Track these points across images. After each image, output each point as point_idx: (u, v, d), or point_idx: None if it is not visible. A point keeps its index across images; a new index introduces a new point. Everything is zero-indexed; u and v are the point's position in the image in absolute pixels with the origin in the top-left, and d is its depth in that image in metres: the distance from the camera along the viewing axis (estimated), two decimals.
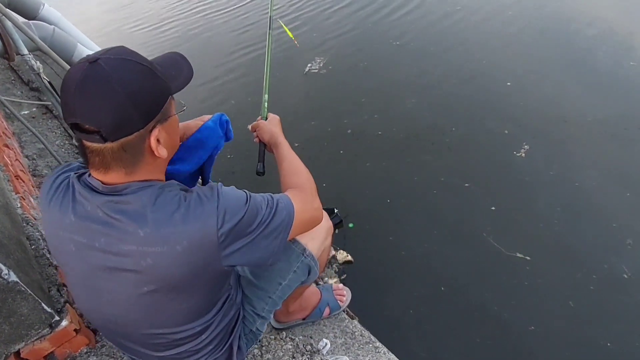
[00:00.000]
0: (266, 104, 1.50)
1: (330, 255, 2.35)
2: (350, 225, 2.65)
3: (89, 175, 0.88)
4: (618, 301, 2.15)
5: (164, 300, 0.90)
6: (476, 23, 4.93)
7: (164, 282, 0.86)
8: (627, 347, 1.98)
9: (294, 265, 1.22)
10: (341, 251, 2.41)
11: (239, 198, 0.90)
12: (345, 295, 1.71)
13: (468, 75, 4.02)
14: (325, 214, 1.32)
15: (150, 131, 0.84)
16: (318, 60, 4.58)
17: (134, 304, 0.90)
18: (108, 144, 0.80)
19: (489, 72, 4.03)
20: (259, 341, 1.42)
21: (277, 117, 1.40)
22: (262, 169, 1.43)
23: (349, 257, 2.37)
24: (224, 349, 1.12)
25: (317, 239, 1.26)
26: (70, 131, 2.60)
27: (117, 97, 0.77)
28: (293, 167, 1.20)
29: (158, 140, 0.85)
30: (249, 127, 1.42)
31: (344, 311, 1.71)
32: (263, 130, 1.36)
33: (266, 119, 1.42)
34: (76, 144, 2.47)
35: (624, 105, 3.41)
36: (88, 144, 0.81)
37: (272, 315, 1.28)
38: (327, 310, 1.64)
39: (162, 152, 0.87)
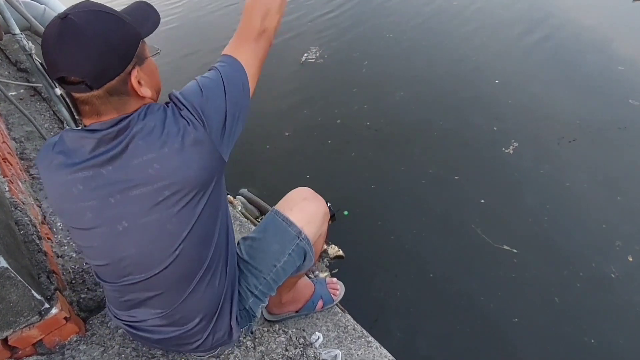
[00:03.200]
0: None
1: (323, 249, 2.34)
2: (345, 212, 2.65)
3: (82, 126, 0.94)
4: (604, 300, 2.18)
5: (179, 207, 0.94)
6: (469, 20, 4.95)
7: (177, 182, 0.92)
8: (610, 345, 2.01)
9: (288, 248, 1.23)
10: (332, 245, 2.40)
11: (193, 87, 0.97)
12: (338, 289, 1.71)
13: (457, 71, 4.06)
14: (323, 202, 1.34)
15: (130, 73, 0.90)
16: (314, 50, 4.56)
17: (152, 221, 0.94)
18: (94, 92, 0.86)
19: (478, 69, 4.07)
20: (252, 332, 1.42)
21: None
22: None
23: (340, 252, 2.37)
24: (224, 311, 1.15)
25: (313, 223, 1.27)
26: (59, 115, 2.54)
27: (93, 46, 0.83)
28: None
29: (139, 82, 0.91)
30: None
31: (337, 305, 1.71)
32: None
33: None
34: (68, 127, 2.43)
35: (612, 108, 3.46)
36: (77, 95, 0.88)
37: (266, 300, 1.28)
38: (320, 304, 1.64)
39: (146, 92, 0.93)
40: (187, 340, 1.15)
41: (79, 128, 0.94)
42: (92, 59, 0.83)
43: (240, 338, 1.39)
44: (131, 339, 1.30)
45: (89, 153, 0.91)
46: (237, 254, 1.24)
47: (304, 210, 1.28)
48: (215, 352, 1.28)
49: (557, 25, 4.76)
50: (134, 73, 0.90)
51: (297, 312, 1.61)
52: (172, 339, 1.15)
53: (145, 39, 0.96)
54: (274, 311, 1.57)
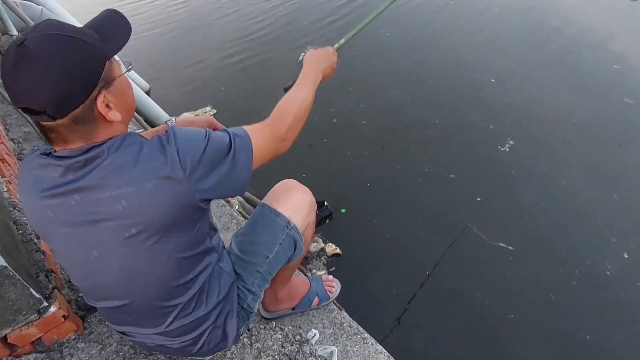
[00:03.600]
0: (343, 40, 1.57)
1: (319, 247, 2.36)
2: (343, 210, 2.67)
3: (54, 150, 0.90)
4: (599, 297, 2.20)
5: (149, 244, 0.91)
6: (465, 20, 4.97)
7: (143, 223, 0.88)
8: (605, 341, 2.03)
9: (279, 238, 1.24)
10: (330, 244, 2.41)
11: (198, 132, 0.93)
12: (334, 286, 1.72)
13: (453, 70, 4.08)
14: (308, 192, 1.35)
15: (95, 99, 0.84)
16: (311, 50, 4.55)
17: (122, 255, 0.92)
18: (59, 121, 0.81)
19: (474, 69, 4.10)
20: (249, 329, 1.43)
21: (333, 57, 1.45)
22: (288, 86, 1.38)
23: (338, 250, 2.38)
24: (219, 325, 1.16)
25: (300, 212, 1.29)
26: None
27: (50, 74, 0.78)
28: (289, 105, 1.17)
29: (108, 106, 0.86)
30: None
31: (333, 302, 1.72)
32: (311, 56, 1.38)
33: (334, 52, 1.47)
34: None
35: (608, 107, 3.49)
36: (43, 123, 0.83)
37: (262, 294, 1.29)
38: (316, 301, 1.65)
39: (114, 116, 0.87)
40: (185, 349, 1.16)
41: (48, 153, 0.90)
42: (50, 88, 0.78)
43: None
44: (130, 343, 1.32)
45: (56, 180, 0.87)
46: (230, 253, 1.25)
47: (291, 200, 1.29)
48: (214, 355, 1.30)
49: (553, 25, 4.79)
50: (100, 98, 0.84)
51: (293, 309, 1.62)
52: (169, 349, 1.17)
53: (117, 53, 0.90)
54: (270, 308, 1.59)
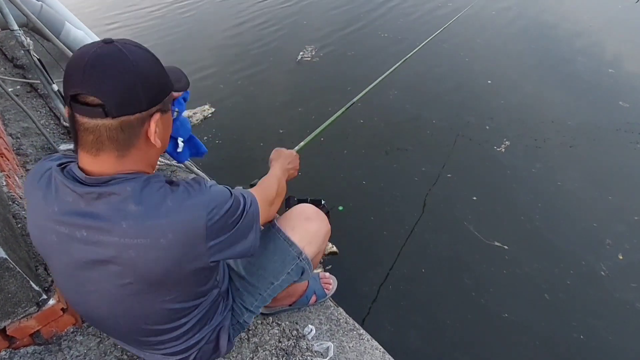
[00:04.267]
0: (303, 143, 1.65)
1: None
2: (340, 208, 2.68)
3: (74, 165, 0.87)
4: (594, 297, 2.22)
5: (147, 295, 0.90)
6: (462, 21, 4.99)
7: (145, 276, 0.86)
8: (600, 342, 2.05)
9: (288, 268, 1.24)
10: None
11: (224, 192, 0.92)
12: (331, 283, 1.74)
13: (450, 71, 4.11)
14: (325, 221, 1.34)
15: (151, 116, 0.85)
16: (309, 49, 4.58)
17: (116, 296, 0.91)
18: (107, 120, 0.79)
19: (470, 70, 4.13)
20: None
21: (296, 159, 1.46)
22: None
23: (334, 249, 2.39)
24: (211, 340, 1.15)
25: (314, 243, 1.27)
26: (56, 111, 2.56)
27: (128, 75, 0.79)
28: (269, 182, 1.21)
29: (155, 130, 0.86)
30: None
31: (329, 299, 1.73)
32: (278, 157, 1.40)
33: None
34: (66, 124, 2.43)
35: (603, 110, 3.52)
36: (84, 120, 0.79)
37: (259, 311, 1.30)
38: (313, 298, 1.67)
39: (157, 142, 0.88)
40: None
41: (64, 165, 0.89)
42: (122, 85, 0.78)
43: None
44: None
45: (68, 206, 0.84)
46: (232, 269, 1.25)
47: (306, 230, 1.27)
48: None
49: (549, 28, 4.82)
50: (156, 117, 0.85)
51: (290, 305, 1.64)
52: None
53: None
54: (267, 305, 1.60)
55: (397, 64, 2.02)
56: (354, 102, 1.85)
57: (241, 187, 1.08)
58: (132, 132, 0.83)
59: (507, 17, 5.15)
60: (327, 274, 1.80)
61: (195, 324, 1.06)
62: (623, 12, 5.34)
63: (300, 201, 1.83)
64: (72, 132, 0.84)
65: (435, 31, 2.94)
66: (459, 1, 5.50)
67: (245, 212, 0.94)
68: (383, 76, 1.83)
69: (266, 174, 1.27)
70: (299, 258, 1.23)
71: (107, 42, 0.80)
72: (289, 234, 1.24)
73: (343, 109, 1.74)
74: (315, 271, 2.14)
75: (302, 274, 1.28)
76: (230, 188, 0.95)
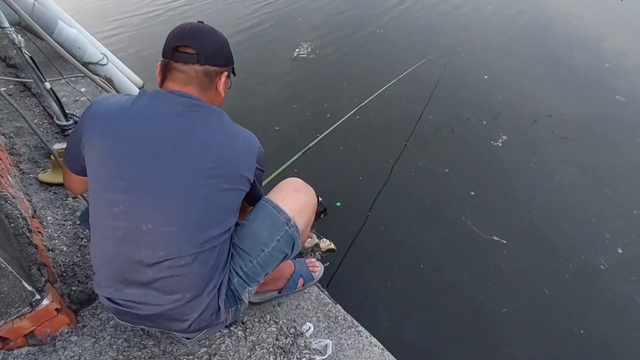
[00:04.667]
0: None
1: (314, 242, 2.35)
2: (338, 204, 2.67)
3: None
4: (593, 291, 2.21)
5: (213, 183, 1.11)
6: (457, 16, 4.99)
7: (221, 166, 1.11)
8: (600, 335, 2.04)
9: (277, 234, 1.28)
10: (324, 239, 2.41)
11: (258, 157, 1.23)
12: (318, 267, 1.74)
13: (445, 67, 4.09)
14: (313, 194, 1.40)
15: (222, 73, 1.21)
16: (305, 46, 4.57)
17: (190, 179, 1.08)
18: (197, 66, 1.14)
19: (466, 65, 4.11)
20: (243, 322, 1.43)
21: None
22: None
23: (332, 246, 2.37)
24: (214, 296, 1.17)
25: (303, 213, 1.34)
26: (49, 110, 2.53)
27: (216, 40, 1.18)
28: None
29: (223, 84, 1.22)
30: None
31: (327, 296, 1.72)
32: None
33: None
34: (59, 122, 2.40)
35: (600, 104, 3.51)
36: (179, 65, 1.13)
37: (253, 285, 1.30)
38: (301, 281, 1.67)
39: (222, 91, 1.23)
40: (174, 316, 1.16)
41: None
42: (212, 45, 1.16)
43: (231, 327, 1.40)
44: (119, 319, 1.26)
45: (165, 108, 1.11)
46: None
47: (296, 200, 1.33)
48: (202, 333, 1.30)
49: (545, 23, 4.82)
50: (225, 74, 1.22)
51: (279, 292, 1.62)
52: (159, 315, 1.16)
53: None
54: (257, 291, 1.58)
55: (376, 93, 2.02)
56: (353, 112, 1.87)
57: None
58: (210, 80, 1.18)
59: (503, 12, 5.14)
60: (314, 259, 1.81)
61: (216, 258, 1.16)
62: (617, 6, 5.33)
63: None
64: (160, 77, 1.19)
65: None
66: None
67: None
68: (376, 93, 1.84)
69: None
70: (287, 225, 1.29)
71: (200, 22, 1.19)
72: (279, 203, 1.31)
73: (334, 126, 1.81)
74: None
75: (292, 245, 1.32)
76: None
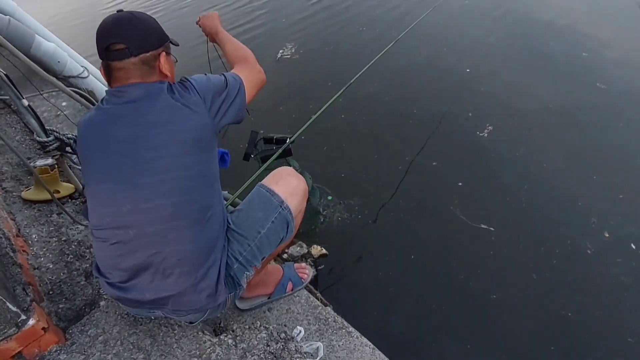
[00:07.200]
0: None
1: (303, 251, 2.35)
2: (329, 197, 2.69)
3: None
4: (580, 275, 2.24)
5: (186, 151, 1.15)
6: (438, 11, 4.99)
7: (192, 132, 1.16)
8: (587, 318, 2.07)
9: (271, 216, 1.33)
10: (315, 246, 2.41)
11: (201, 77, 1.27)
12: (307, 271, 1.74)
13: (429, 61, 4.12)
14: (304, 180, 1.45)
15: (159, 55, 1.21)
16: (289, 46, 4.57)
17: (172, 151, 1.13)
18: (132, 58, 1.15)
19: (448, 60, 4.14)
20: (233, 331, 1.43)
21: (216, 13, 1.69)
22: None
23: (324, 251, 2.38)
24: (213, 266, 1.20)
25: (295, 196, 1.39)
26: (30, 126, 2.50)
27: (140, 26, 1.18)
28: (234, 45, 1.54)
29: (164, 64, 1.21)
30: (196, 21, 1.70)
31: (318, 298, 1.73)
32: (206, 20, 1.65)
33: None
34: (39, 139, 2.37)
35: (582, 92, 3.54)
36: (116, 63, 1.15)
37: (251, 270, 1.31)
38: (290, 286, 1.67)
39: (168, 71, 1.23)
40: (178, 297, 1.18)
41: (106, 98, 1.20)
42: (137, 33, 1.16)
43: (221, 336, 1.41)
44: (121, 305, 1.32)
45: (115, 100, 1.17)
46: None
47: (288, 184, 1.40)
48: (205, 317, 1.32)
49: (523, 15, 4.84)
50: (163, 55, 1.22)
51: (269, 297, 1.63)
52: (163, 299, 1.19)
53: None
54: (244, 295, 1.58)
55: (376, 57, 2.09)
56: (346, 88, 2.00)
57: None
58: (150, 65, 1.19)
59: (482, 5, 5.16)
60: (303, 263, 1.81)
61: (212, 236, 1.20)
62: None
63: (266, 140, 2.17)
64: (106, 75, 1.20)
65: (412, 22, 2.93)
66: None
67: (225, 86, 1.28)
68: (367, 66, 1.92)
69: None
70: (281, 206, 1.34)
71: (119, 11, 1.19)
72: (271, 186, 1.38)
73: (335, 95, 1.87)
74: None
75: (287, 228, 1.36)
76: (207, 75, 1.30)
